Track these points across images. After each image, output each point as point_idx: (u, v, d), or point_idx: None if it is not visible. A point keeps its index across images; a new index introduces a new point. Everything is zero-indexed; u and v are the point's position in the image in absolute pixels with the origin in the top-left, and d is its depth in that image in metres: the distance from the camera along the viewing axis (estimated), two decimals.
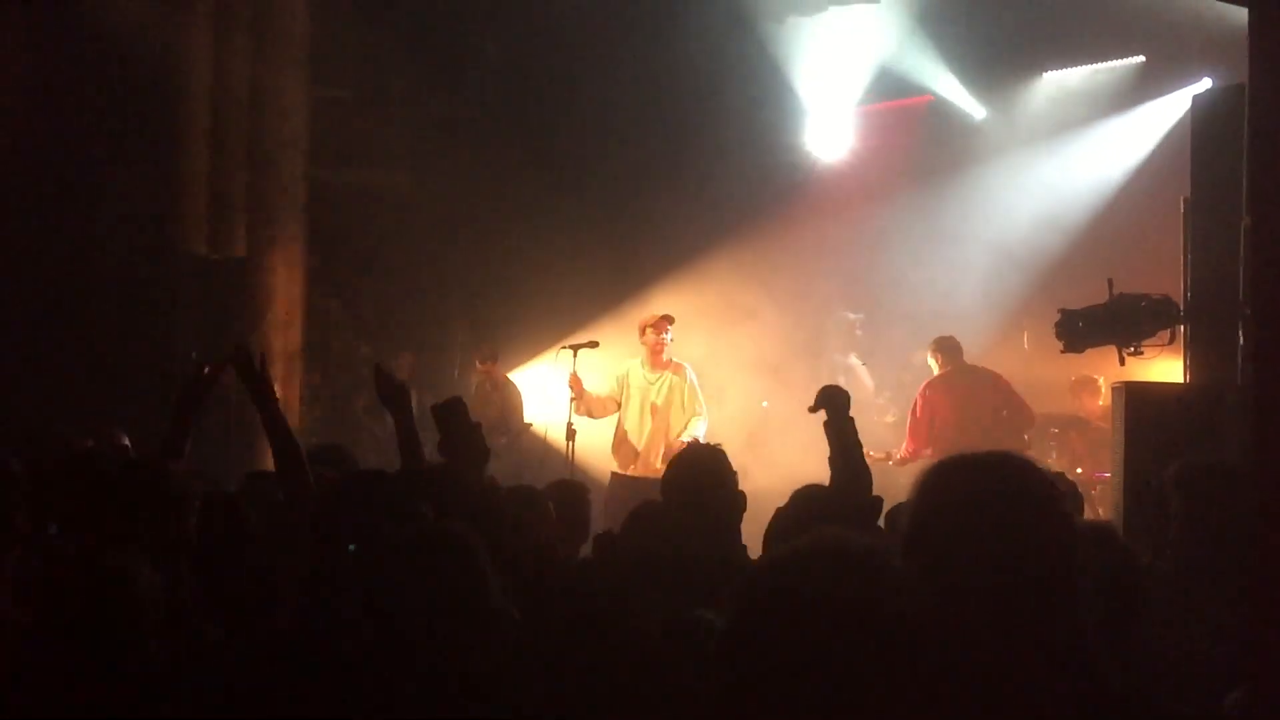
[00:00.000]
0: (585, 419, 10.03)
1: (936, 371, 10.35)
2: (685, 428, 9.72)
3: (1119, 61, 11.96)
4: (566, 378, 9.87)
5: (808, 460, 5.45)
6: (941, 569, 2.16)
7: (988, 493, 2.23)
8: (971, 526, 2.20)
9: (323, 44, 11.43)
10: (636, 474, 9.70)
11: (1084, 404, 10.67)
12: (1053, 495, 2.26)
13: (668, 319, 9.92)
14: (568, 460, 9.90)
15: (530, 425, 12.23)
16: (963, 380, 10.23)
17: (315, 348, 12.14)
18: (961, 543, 2.19)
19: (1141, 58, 11.81)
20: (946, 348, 10.41)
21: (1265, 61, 2.14)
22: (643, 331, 9.93)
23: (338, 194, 12.48)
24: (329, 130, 11.87)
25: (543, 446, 11.82)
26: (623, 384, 9.97)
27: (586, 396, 9.90)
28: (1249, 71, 2.28)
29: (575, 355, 9.92)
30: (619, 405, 9.96)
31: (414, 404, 12.51)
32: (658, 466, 9.14)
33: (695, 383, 9.93)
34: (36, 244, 10.07)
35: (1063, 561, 2.20)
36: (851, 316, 12.29)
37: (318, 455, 6.14)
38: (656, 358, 9.86)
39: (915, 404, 10.29)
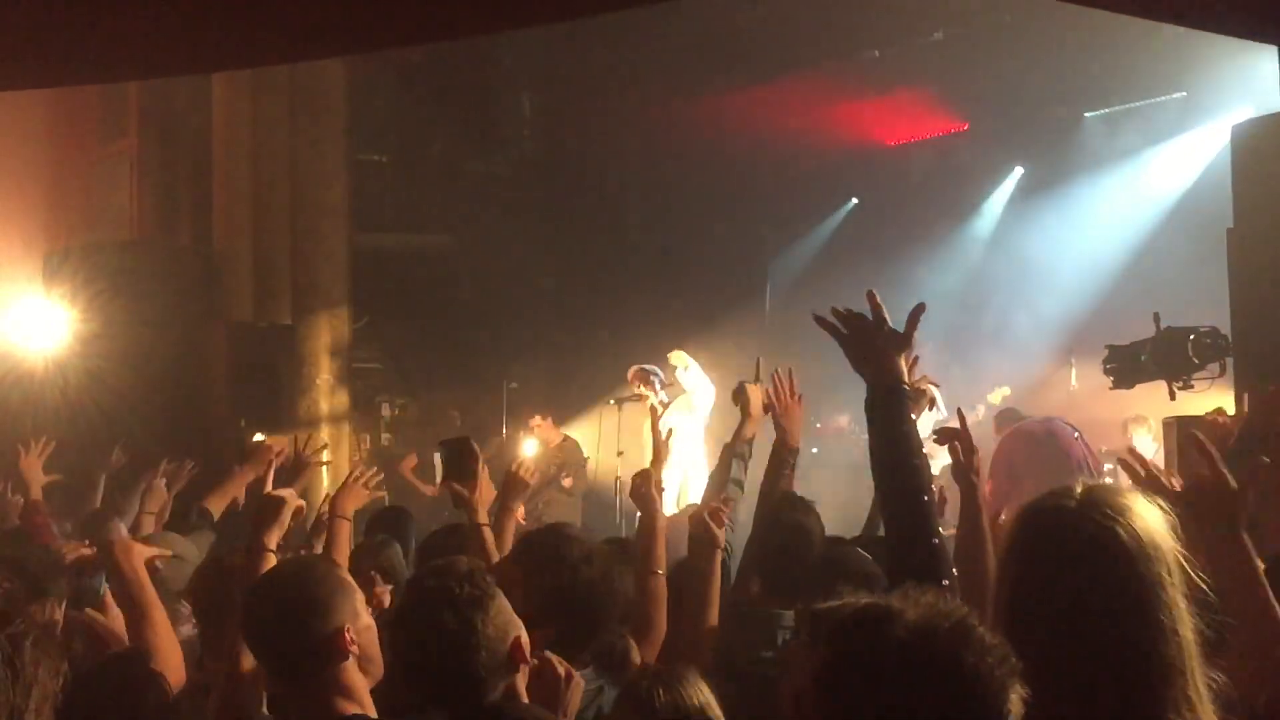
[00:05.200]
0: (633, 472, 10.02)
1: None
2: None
3: (1161, 98, 11.85)
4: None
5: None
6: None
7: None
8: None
9: (360, 111, 11.55)
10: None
11: (1133, 444, 10.46)
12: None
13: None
14: (618, 513, 9.89)
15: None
16: (1046, 430, 9.78)
17: (362, 410, 12.19)
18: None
19: (1183, 93, 11.70)
20: (1006, 421, 10.07)
21: None
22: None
23: (380, 257, 12.57)
24: (369, 195, 11.97)
25: (593, 499, 11.79)
26: None
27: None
28: None
29: (620, 409, 9.93)
30: None
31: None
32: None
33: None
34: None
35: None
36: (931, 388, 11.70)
37: (380, 518, 6.17)
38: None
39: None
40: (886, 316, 2.86)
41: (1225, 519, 2.78)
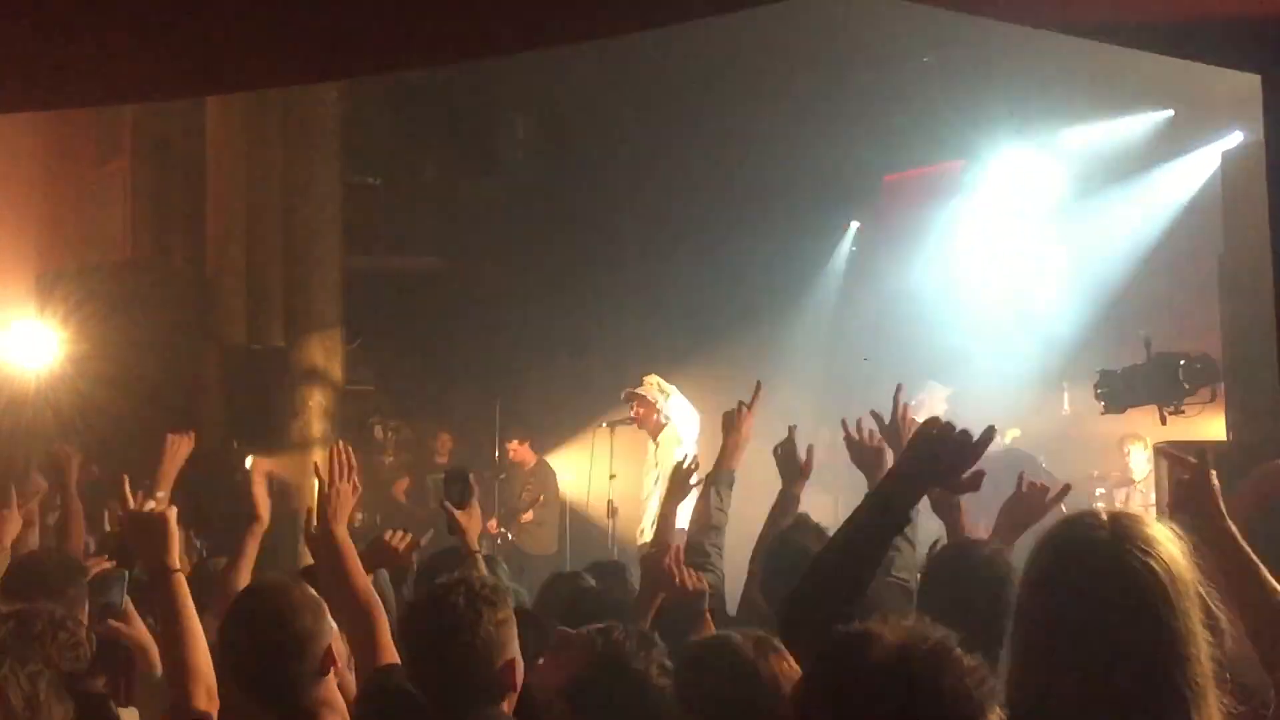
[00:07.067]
0: (625, 496, 10.02)
1: None
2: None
3: (1147, 116, 11.85)
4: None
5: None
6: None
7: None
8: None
9: (354, 131, 11.56)
10: None
11: (1129, 462, 10.44)
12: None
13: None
14: (609, 537, 9.88)
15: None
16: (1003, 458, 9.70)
17: (356, 433, 12.17)
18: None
19: (1170, 111, 11.71)
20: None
21: (1277, 124, 2.13)
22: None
23: (373, 279, 12.57)
24: (363, 216, 11.97)
25: (583, 524, 11.78)
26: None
27: None
28: (1264, 135, 2.27)
29: (613, 432, 9.93)
30: None
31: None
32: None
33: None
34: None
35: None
36: (940, 389, 11.47)
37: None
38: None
39: None
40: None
41: (1208, 513, 3.04)
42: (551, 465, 12.27)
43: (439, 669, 3.08)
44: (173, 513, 3.67)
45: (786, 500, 5.40)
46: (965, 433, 2.56)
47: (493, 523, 11.09)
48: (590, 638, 3.22)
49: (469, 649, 3.04)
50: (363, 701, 3.39)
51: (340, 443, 4.25)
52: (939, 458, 2.57)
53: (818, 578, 2.61)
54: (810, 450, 5.44)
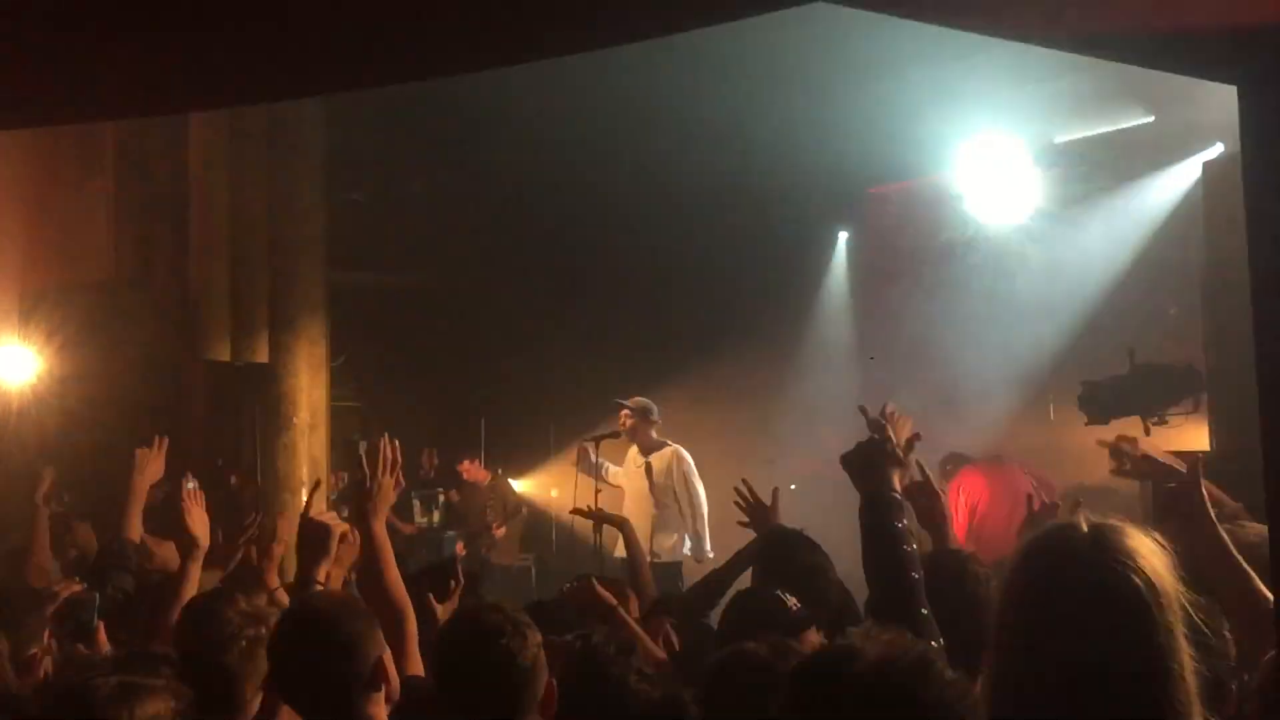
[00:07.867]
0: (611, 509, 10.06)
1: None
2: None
3: (1127, 124, 11.81)
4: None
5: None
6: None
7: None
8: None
9: (338, 147, 11.55)
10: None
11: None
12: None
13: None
14: (596, 550, 9.86)
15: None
16: (996, 468, 9.67)
17: (339, 448, 12.15)
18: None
19: (1150, 118, 11.69)
20: (952, 462, 9.99)
21: (1254, 136, 2.14)
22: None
23: (357, 296, 12.55)
24: (347, 233, 11.96)
25: (569, 538, 11.78)
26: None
27: None
28: (1241, 147, 2.27)
29: (598, 446, 9.94)
30: None
31: (439, 501, 12.55)
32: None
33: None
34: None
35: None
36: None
37: None
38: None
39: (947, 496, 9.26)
40: (891, 435, 3.19)
41: (1198, 520, 3.19)
42: (507, 479, 12.56)
43: (489, 696, 3.13)
44: (340, 529, 3.82)
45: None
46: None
47: (459, 546, 11.37)
48: (569, 643, 3.25)
49: (520, 675, 3.12)
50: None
51: (386, 436, 4.28)
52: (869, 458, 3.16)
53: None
54: (775, 493, 5.61)
